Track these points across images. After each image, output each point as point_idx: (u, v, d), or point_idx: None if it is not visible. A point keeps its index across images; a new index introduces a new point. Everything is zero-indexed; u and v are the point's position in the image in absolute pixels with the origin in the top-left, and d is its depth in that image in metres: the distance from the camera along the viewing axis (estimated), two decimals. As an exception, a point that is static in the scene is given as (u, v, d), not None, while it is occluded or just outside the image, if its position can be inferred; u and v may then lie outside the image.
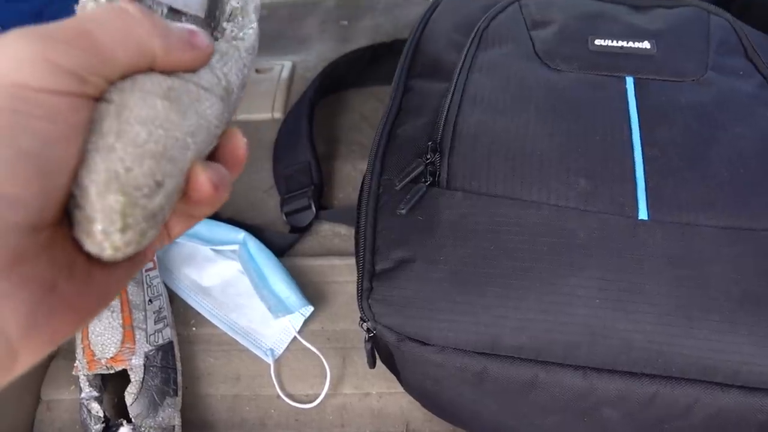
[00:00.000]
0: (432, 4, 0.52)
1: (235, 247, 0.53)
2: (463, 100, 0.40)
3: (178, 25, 0.20)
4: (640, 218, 0.34)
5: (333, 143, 0.65)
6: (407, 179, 0.37)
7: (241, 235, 0.54)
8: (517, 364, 0.33)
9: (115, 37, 0.18)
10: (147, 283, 0.50)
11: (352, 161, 0.62)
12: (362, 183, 0.43)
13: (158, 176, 0.18)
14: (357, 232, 0.40)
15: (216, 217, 0.59)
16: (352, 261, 0.54)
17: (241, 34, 0.25)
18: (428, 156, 0.38)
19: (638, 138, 0.37)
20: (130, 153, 0.18)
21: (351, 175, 0.61)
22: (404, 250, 0.35)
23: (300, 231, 0.56)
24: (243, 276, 0.53)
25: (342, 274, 0.54)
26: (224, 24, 0.25)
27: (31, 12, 0.57)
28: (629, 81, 0.40)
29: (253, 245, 0.53)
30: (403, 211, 0.36)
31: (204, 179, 0.20)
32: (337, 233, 0.57)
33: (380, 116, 0.64)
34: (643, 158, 0.36)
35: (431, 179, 0.37)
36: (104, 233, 0.18)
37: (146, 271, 0.51)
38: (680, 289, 0.32)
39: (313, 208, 0.56)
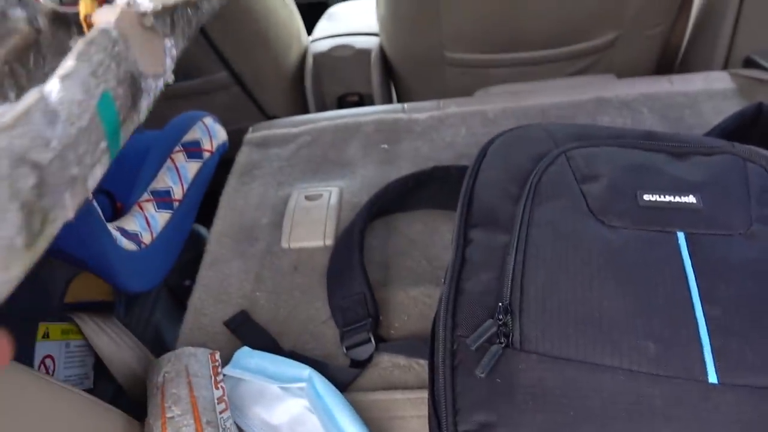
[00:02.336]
0: (480, 151, 0.56)
1: (303, 384, 0.55)
2: (527, 259, 0.43)
3: None
4: (710, 382, 0.36)
5: (383, 269, 0.68)
6: (481, 340, 0.40)
7: (307, 371, 0.56)
8: None
9: None
10: (222, 426, 0.52)
11: (404, 288, 0.65)
12: (433, 332, 0.46)
13: None
14: (433, 387, 0.42)
15: (279, 350, 0.62)
16: (414, 395, 0.55)
17: None
18: (500, 317, 0.40)
19: (697, 297, 0.39)
20: None
21: (404, 303, 0.64)
22: (486, 413, 0.38)
23: (360, 365, 0.59)
24: (311, 413, 0.55)
25: (404, 408, 0.55)
26: None
27: None
28: (681, 237, 0.43)
29: (320, 383, 0.55)
30: (482, 375, 0.38)
31: None
32: (396, 364, 0.59)
33: (428, 243, 0.68)
34: (705, 318, 0.38)
35: (505, 340, 0.40)
36: None
37: (220, 413, 0.53)
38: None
39: (373, 342, 0.58)
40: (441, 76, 1.13)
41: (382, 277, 0.67)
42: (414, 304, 0.64)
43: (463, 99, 0.90)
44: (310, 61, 1.17)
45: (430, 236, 0.70)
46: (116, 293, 0.73)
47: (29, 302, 0.61)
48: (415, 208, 0.74)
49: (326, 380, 0.55)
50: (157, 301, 0.83)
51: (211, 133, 0.82)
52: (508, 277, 0.42)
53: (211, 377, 0.56)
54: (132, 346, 0.69)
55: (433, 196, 0.74)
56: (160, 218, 0.72)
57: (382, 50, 1.17)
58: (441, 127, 0.84)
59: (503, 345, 0.39)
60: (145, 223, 0.70)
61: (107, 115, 0.27)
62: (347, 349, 0.59)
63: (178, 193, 0.75)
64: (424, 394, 0.54)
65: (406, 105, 0.90)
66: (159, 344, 0.80)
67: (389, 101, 1.24)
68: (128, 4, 0.30)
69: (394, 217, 0.73)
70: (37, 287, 0.61)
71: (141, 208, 0.71)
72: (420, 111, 0.87)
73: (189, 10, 0.36)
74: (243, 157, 0.86)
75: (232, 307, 0.67)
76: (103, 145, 0.27)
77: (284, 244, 0.72)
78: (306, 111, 1.25)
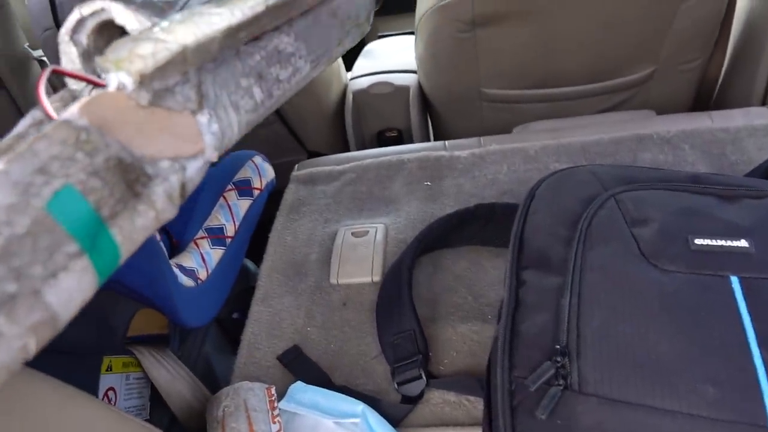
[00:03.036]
0: (528, 194, 0.58)
1: (357, 420, 0.57)
2: (582, 302, 0.44)
3: None
4: (770, 427, 0.36)
5: (430, 305, 0.69)
6: (540, 381, 0.41)
7: (360, 407, 0.58)
8: None
9: None
10: (279, 461, 0.54)
11: (452, 324, 0.67)
12: (488, 371, 0.48)
13: None
14: (491, 426, 0.43)
15: (331, 384, 0.63)
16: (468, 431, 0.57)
17: None
18: (558, 359, 0.42)
19: (754, 341, 0.40)
20: None
21: (452, 339, 0.65)
22: (547, 454, 0.39)
23: (412, 401, 0.60)
24: (364, 449, 0.56)
25: (457, 445, 0.56)
26: None
27: None
28: (734, 281, 0.44)
29: (373, 418, 0.57)
30: (543, 417, 0.39)
31: None
32: (447, 401, 0.60)
33: (474, 279, 0.69)
34: (763, 362, 0.39)
35: (563, 382, 0.41)
36: None
37: (277, 448, 0.55)
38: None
39: (424, 378, 0.60)
40: (477, 112, 1.15)
41: (430, 313, 0.68)
42: (462, 340, 0.65)
43: (503, 136, 0.92)
44: (350, 98, 1.21)
45: (475, 273, 0.72)
46: (171, 327, 0.76)
47: (96, 337, 0.64)
48: (460, 245, 0.76)
49: (379, 416, 0.57)
50: (207, 334, 0.85)
51: (261, 172, 0.86)
52: (564, 320, 0.44)
53: (268, 411, 0.58)
54: (186, 378, 0.72)
55: (476, 234, 0.75)
56: (215, 254, 0.75)
57: (419, 87, 1.20)
58: (482, 164, 0.86)
59: (562, 387, 0.40)
60: (200, 260, 0.73)
61: (70, 213, 0.23)
62: (398, 385, 0.60)
63: (230, 230, 0.78)
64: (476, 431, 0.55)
65: (447, 142, 0.92)
66: (209, 376, 0.83)
67: (427, 136, 1.27)
68: (90, 91, 0.28)
69: (438, 253, 0.75)
70: (103, 323, 0.64)
71: (197, 245, 0.74)
72: (461, 148, 0.90)
73: (230, 79, 0.32)
74: (290, 194, 0.89)
75: (285, 342, 0.69)
76: (73, 247, 0.23)
77: (333, 280, 0.74)
78: (346, 146, 1.28)
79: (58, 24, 1.09)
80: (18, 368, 0.21)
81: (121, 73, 0.26)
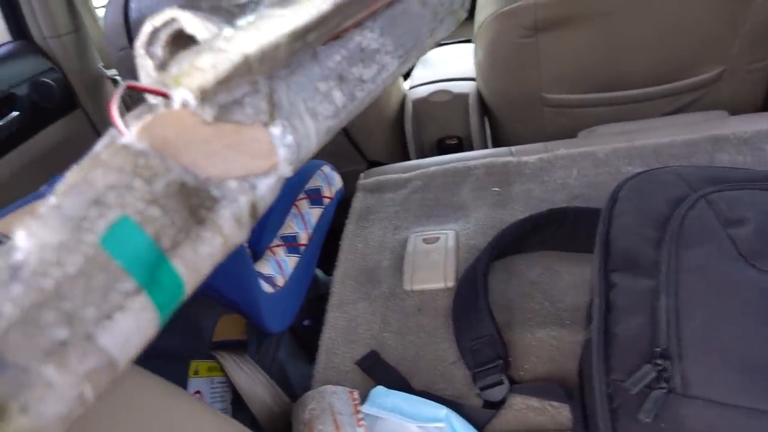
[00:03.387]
0: (611, 196, 0.57)
1: (441, 424, 0.57)
2: (680, 304, 0.44)
3: None
4: None
5: (506, 311, 0.69)
6: (641, 384, 0.41)
7: (443, 411, 0.58)
8: None
9: None
10: (367, 464, 0.54)
11: (530, 330, 0.66)
12: (580, 375, 0.47)
13: None
14: (590, 428, 0.43)
15: (410, 389, 0.64)
16: (552, 437, 0.56)
17: None
18: (658, 362, 0.41)
19: None
20: None
21: (531, 345, 0.65)
22: (653, 458, 0.38)
23: (494, 406, 0.60)
24: (450, 453, 0.57)
25: (543, 450, 0.56)
26: None
27: None
28: (842, 281, 0.42)
29: (458, 423, 0.57)
30: (648, 419, 0.39)
31: None
32: (530, 406, 0.60)
33: (549, 285, 0.68)
34: None
35: (666, 385, 0.40)
36: None
37: (364, 451, 0.56)
38: None
39: (507, 383, 0.60)
40: (538, 117, 1.15)
41: (506, 319, 0.68)
42: (541, 346, 0.64)
43: (570, 141, 0.92)
44: (409, 107, 1.22)
45: (550, 278, 0.71)
46: (249, 332, 0.78)
47: (185, 342, 0.66)
48: (532, 251, 0.75)
49: (464, 421, 0.57)
50: (281, 340, 0.87)
51: (330, 181, 0.87)
52: (662, 322, 0.43)
53: (353, 415, 0.59)
54: (264, 383, 0.74)
55: (550, 239, 0.75)
56: (290, 262, 0.77)
57: (478, 94, 1.20)
58: (551, 168, 0.86)
59: (665, 390, 0.40)
60: (277, 267, 0.75)
61: (127, 247, 0.21)
62: (481, 389, 0.61)
63: (303, 238, 0.80)
64: (563, 437, 0.55)
65: (513, 148, 0.92)
66: (284, 382, 0.84)
67: (486, 143, 1.27)
68: (165, 105, 0.25)
69: (511, 259, 0.75)
70: (192, 328, 0.67)
71: (273, 253, 0.76)
72: (528, 153, 0.89)
73: (306, 84, 0.29)
74: (358, 202, 0.90)
75: (362, 347, 0.70)
76: (129, 285, 0.21)
77: (406, 287, 0.74)
78: (405, 155, 1.29)
79: (132, 44, 1.14)
80: (75, 417, 0.20)
81: (181, 89, 0.24)
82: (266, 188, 0.27)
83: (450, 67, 1.29)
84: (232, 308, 0.66)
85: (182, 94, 0.24)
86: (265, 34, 0.26)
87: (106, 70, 1.30)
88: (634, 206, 0.54)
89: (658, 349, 0.42)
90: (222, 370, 0.71)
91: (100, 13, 1.29)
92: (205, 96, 0.24)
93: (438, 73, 1.27)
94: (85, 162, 0.23)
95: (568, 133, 1.07)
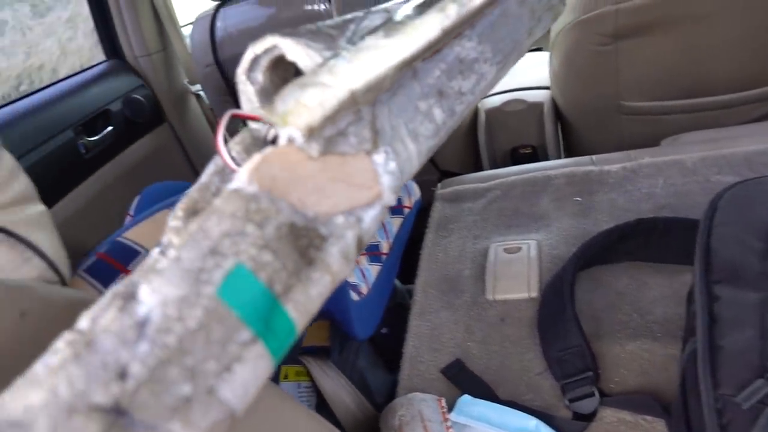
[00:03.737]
0: (710, 206, 0.56)
1: (531, 435, 0.57)
2: (793, 317, 0.42)
3: None
4: None
5: (593, 322, 0.68)
6: (754, 399, 0.40)
7: (533, 422, 0.58)
8: None
9: None
10: (458, 471, 0.55)
11: (620, 342, 0.65)
12: (682, 389, 0.46)
13: None
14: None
15: (496, 399, 0.64)
16: (648, 452, 0.55)
17: None
18: (772, 376, 0.40)
19: None
20: None
21: (621, 357, 0.64)
22: (770, 476, 0.37)
23: (585, 419, 0.59)
24: (541, 464, 0.56)
25: (639, 465, 0.55)
26: None
27: None
28: None
29: (549, 434, 0.56)
30: (763, 436, 0.38)
31: None
32: (622, 420, 0.59)
33: (638, 296, 0.67)
34: None
35: (781, 401, 0.39)
36: None
37: (455, 458, 0.56)
38: None
39: (598, 396, 0.59)
40: (616, 126, 1.12)
41: (594, 330, 0.67)
42: (632, 358, 0.63)
43: (655, 149, 0.90)
44: (482, 116, 1.22)
45: (638, 289, 0.70)
46: (333, 339, 0.80)
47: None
48: (618, 261, 0.74)
49: (554, 431, 0.57)
50: (361, 348, 0.89)
51: (410, 191, 0.89)
52: (775, 336, 0.42)
53: (442, 422, 0.59)
54: (347, 388, 0.75)
55: (637, 249, 0.73)
56: (373, 270, 0.78)
57: (553, 102, 1.19)
58: (635, 178, 0.84)
59: (781, 406, 0.39)
60: (361, 275, 0.77)
61: (242, 296, 0.21)
62: (570, 401, 0.60)
63: (385, 247, 0.82)
64: (660, 452, 0.53)
65: (594, 157, 0.91)
66: (364, 388, 0.86)
67: (560, 152, 1.25)
68: (270, 142, 0.24)
69: (596, 269, 0.74)
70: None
71: (356, 262, 0.78)
72: (610, 162, 0.88)
73: (407, 105, 0.28)
74: (437, 212, 0.91)
75: (446, 356, 0.70)
76: (246, 335, 0.21)
77: (489, 296, 0.75)
78: (477, 164, 1.29)
79: (218, 60, 1.20)
80: None
81: (289, 128, 0.24)
82: (371, 220, 0.26)
83: (523, 76, 1.28)
84: (323, 315, 0.67)
85: (291, 132, 0.24)
86: (372, 66, 0.25)
87: (190, 86, 1.37)
88: (736, 216, 0.53)
89: (771, 363, 0.40)
90: (308, 374, 0.74)
91: (185, 31, 1.36)
92: (312, 133, 0.24)
93: (510, 82, 1.27)
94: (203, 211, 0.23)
95: (647, 142, 1.04)
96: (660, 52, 0.96)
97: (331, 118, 0.24)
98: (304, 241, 0.23)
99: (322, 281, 0.24)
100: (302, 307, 0.23)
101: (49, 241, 0.44)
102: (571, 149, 1.26)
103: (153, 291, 0.20)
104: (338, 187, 0.25)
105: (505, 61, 0.35)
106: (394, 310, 0.91)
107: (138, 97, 1.23)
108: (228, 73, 1.22)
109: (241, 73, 0.29)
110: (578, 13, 0.95)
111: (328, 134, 0.25)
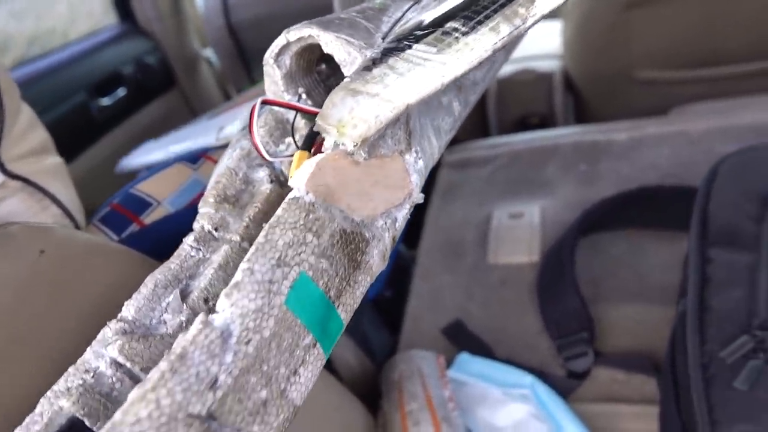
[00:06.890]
0: (710, 172, 0.56)
1: (526, 391, 0.59)
2: (782, 278, 0.43)
3: None
4: None
5: (592, 286, 0.70)
6: (737, 354, 0.41)
7: (528, 378, 0.60)
8: None
9: None
10: (454, 423, 0.57)
11: (615, 305, 0.66)
12: (671, 346, 0.48)
13: None
14: (677, 400, 0.44)
15: (494, 357, 0.66)
16: (638, 408, 0.56)
17: None
18: (757, 333, 0.41)
19: None
20: None
21: (617, 319, 0.65)
22: (749, 425, 0.38)
23: (579, 377, 0.61)
24: (533, 419, 0.58)
25: (630, 421, 0.56)
26: None
27: None
28: None
29: (543, 391, 0.58)
30: (744, 388, 0.39)
31: None
32: (615, 379, 0.60)
33: (636, 262, 0.68)
34: None
35: (763, 356, 0.40)
36: None
37: (451, 411, 0.58)
38: None
39: (592, 355, 0.61)
40: (627, 96, 1.12)
41: (592, 294, 0.68)
42: (627, 321, 0.65)
43: (662, 118, 0.90)
44: (492, 86, 1.22)
45: (637, 255, 0.71)
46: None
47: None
48: (618, 228, 0.75)
49: (550, 389, 0.59)
50: (364, 308, 0.91)
51: (416, 156, 0.89)
52: (762, 295, 0.43)
53: (439, 378, 0.61)
54: (351, 348, 0.77)
55: (637, 216, 0.74)
56: (378, 233, 0.80)
57: (563, 72, 1.19)
58: (641, 147, 0.84)
59: (763, 360, 0.40)
60: (366, 237, 0.78)
61: (306, 303, 0.22)
62: (565, 360, 0.62)
63: (390, 210, 0.83)
64: (649, 409, 0.55)
65: (601, 125, 0.91)
66: (366, 347, 0.88)
67: (569, 121, 1.25)
68: (322, 150, 0.25)
69: (598, 236, 0.75)
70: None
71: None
72: (617, 131, 0.88)
73: (433, 102, 0.28)
74: (443, 178, 0.92)
75: (446, 317, 0.72)
76: (308, 339, 0.22)
77: (491, 260, 0.76)
78: (484, 132, 1.29)
79: (229, 23, 1.20)
80: None
81: (345, 139, 0.24)
82: (402, 219, 0.27)
83: (529, 45, 1.27)
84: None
85: (343, 141, 0.25)
86: (427, 83, 0.25)
87: (201, 51, 1.37)
88: (735, 182, 0.54)
89: (756, 320, 0.42)
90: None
91: (197, -5, 1.36)
92: (365, 143, 0.25)
93: (519, 52, 1.26)
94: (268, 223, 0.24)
95: (659, 112, 1.04)
96: (674, 20, 0.95)
97: (382, 129, 0.25)
98: (352, 246, 0.25)
99: (364, 282, 0.26)
100: (349, 308, 0.25)
101: (65, 190, 0.46)
102: (581, 119, 1.26)
103: (232, 304, 0.21)
104: (378, 190, 0.26)
105: (512, 46, 0.36)
106: (398, 273, 0.92)
107: (150, 61, 1.24)
108: (239, 36, 1.22)
109: (269, 57, 0.29)
110: (591, -20, 0.94)
111: (372, 139, 0.26)
